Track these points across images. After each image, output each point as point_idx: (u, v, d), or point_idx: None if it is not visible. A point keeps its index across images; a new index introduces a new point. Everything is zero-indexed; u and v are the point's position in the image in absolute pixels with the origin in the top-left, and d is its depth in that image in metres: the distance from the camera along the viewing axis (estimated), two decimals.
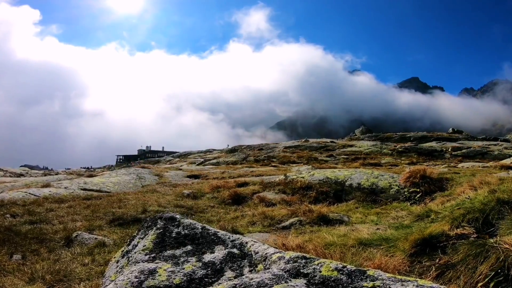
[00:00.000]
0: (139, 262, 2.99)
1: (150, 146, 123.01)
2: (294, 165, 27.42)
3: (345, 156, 33.79)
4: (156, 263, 2.96)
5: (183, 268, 2.86)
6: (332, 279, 2.39)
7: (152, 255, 3.11)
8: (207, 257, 3.05)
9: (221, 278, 2.79)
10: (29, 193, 10.83)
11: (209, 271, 2.86)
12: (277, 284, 2.37)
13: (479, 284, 3.34)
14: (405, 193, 9.45)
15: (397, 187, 9.79)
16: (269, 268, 2.75)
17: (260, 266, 2.88)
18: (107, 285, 2.95)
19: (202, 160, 42.54)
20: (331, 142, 46.84)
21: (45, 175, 24.57)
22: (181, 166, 34.78)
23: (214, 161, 38.24)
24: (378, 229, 6.24)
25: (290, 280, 2.45)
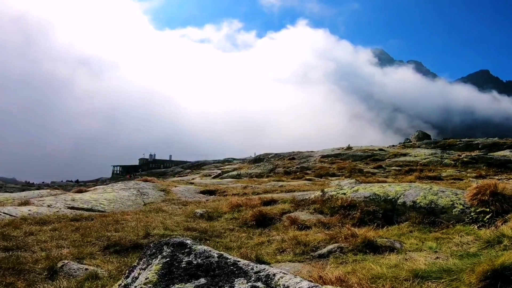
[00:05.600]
0: None
1: (155, 155, 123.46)
2: (333, 178, 27.23)
3: (396, 168, 33.37)
4: None
5: None
6: None
7: None
8: None
9: None
10: (4, 213, 10.78)
11: None
12: None
13: None
14: (471, 214, 9.25)
15: (461, 206, 9.59)
16: None
17: None
18: None
19: (219, 171, 42.75)
20: (380, 150, 46.37)
21: (23, 190, 24.96)
22: (192, 179, 34.95)
23: (234, 173, 38.35)
24: (437, 258, 6.13)
25: None
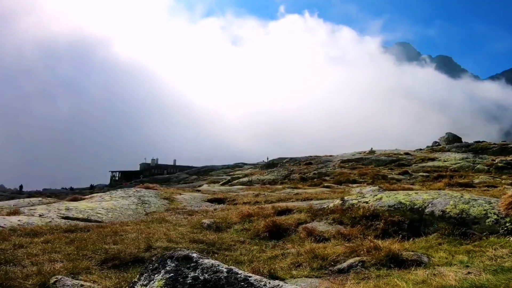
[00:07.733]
0: None
1: (157, 159, 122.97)
2: (354, 185, 27.20)
3: (424, 174, 33.26)
4: None
5: None
6: None
7: None
8: None
9: None
10: None
11: None
12: None
13: None
14: (507, 224, 9.15)
15: (495, 216, 9.49)
16: None
17: None
18: None
19: (229, 178, 42.93)
20: (406, 154, 46.22)
21: (12, 198, 24.97)
22: (199, 186, 35.07)
23: (245, 179, 38.44)
24: (469, 273, 6.09)
25: None
